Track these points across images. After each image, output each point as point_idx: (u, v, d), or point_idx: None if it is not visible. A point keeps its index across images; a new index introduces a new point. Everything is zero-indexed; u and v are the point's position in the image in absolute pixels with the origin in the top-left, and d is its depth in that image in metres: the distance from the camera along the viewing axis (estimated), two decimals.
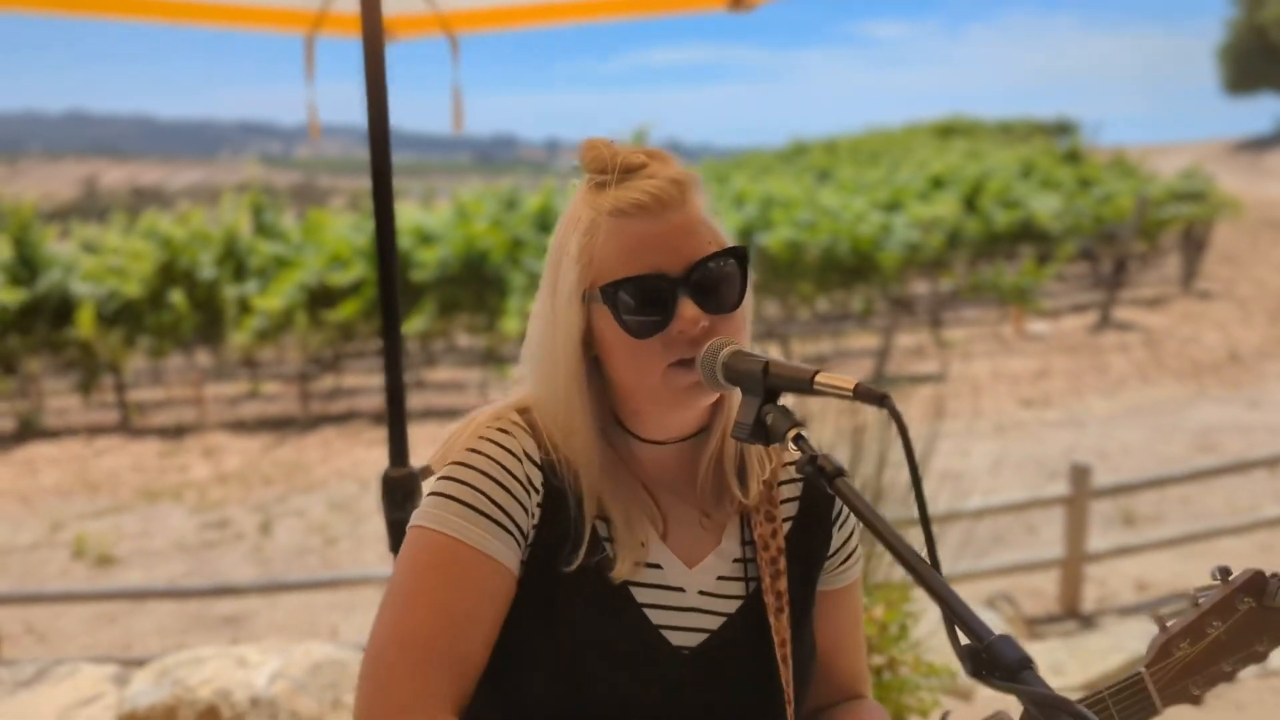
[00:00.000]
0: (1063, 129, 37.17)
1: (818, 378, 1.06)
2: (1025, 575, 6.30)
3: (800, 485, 1.32)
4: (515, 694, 1.20)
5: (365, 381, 14.53)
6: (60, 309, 13.49)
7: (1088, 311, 17.34)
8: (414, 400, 13.46)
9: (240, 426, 13.31)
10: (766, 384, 1.10)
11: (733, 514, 1.28)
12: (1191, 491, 8.06)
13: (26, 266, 13.63)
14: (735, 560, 1.26)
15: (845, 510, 1.33)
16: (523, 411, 1.25)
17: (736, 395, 1.19)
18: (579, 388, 1.20)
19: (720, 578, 1.25)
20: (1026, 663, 0.84)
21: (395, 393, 2.25)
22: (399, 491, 2.27)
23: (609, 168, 1.20)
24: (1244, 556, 6.87)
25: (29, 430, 13.52)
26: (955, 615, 0.88)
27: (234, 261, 14.25)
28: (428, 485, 1.23)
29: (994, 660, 0.84)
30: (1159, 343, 15.02)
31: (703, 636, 1.22)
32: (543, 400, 1.23)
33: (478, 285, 13.01)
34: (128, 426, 13.58)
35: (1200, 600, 1.18)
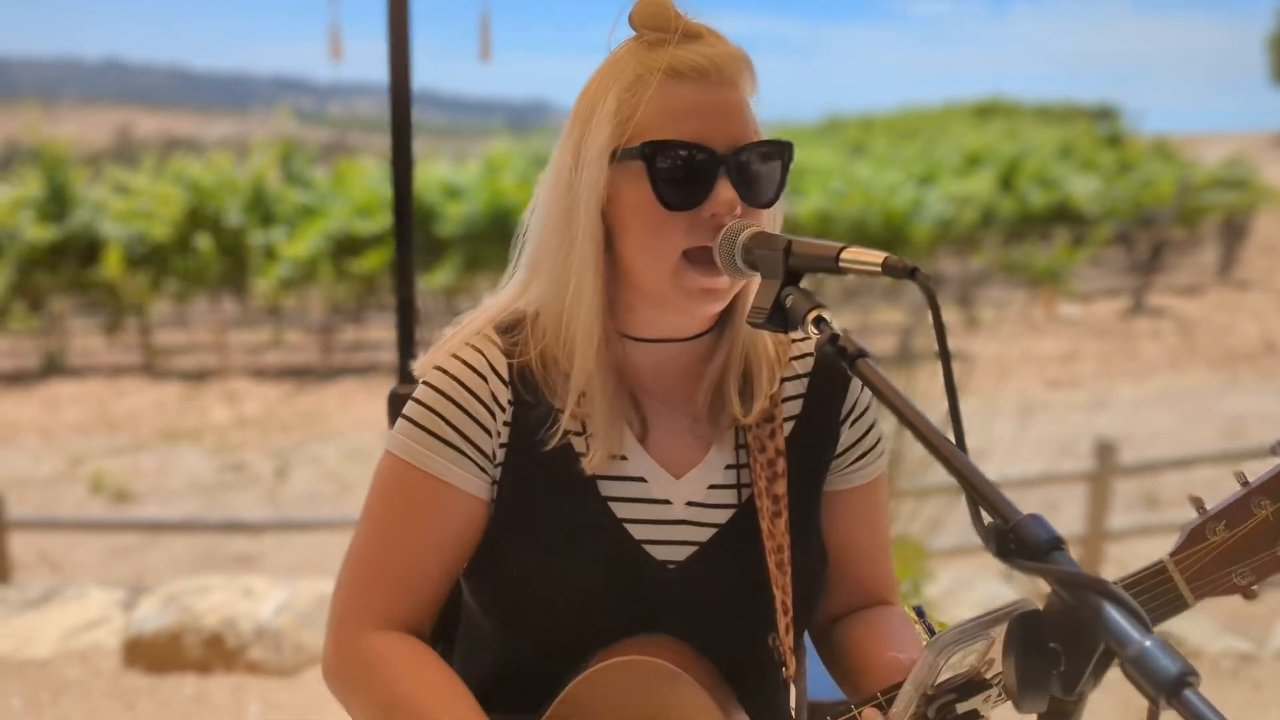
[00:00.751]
0: (1104, 114, 36.55)
1: (843, 254, 0.98)
2: None
3: (805, 382, 1.23)
4: (499, 606, 1.19)
5: (387, 335, 14.53)
6: (88, 249, 13.54)
7: (1121, 296, 17.09)
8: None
9: (261, 374, 13.36)
10: (788, 265, 1.02)
11: (728, 428, 1.20)
12: (1217, 476, 7.91)
13: (57, 204, 13.68)
14: (728, 466, 1.20)
15: (858, 407, 1.25)
16: (506, 318, 1.20)
17: (744, 309, 1.14)
18: (596, 256, 1.11)
19: (711, 486, 1.19)
20: (1057, 543, 0.75)
21: (405, 307, 2.19)
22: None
23: (670, 27, 1.11)
24: None
25: (53, 368, 13.62)
26: (979, 494, 0.80)
27: (261, 209, 14.25)
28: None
29: (1021, 541, 0.76)
30: (1192, 330, 14.79)
31: (691, 550, 1.16)
32: (549, 277, 1.15)
33: (503, 242, 12.75)
34: (150, 369, 13.66)
35: (1248, 479, 1.02)
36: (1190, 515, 1.08)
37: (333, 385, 12.64)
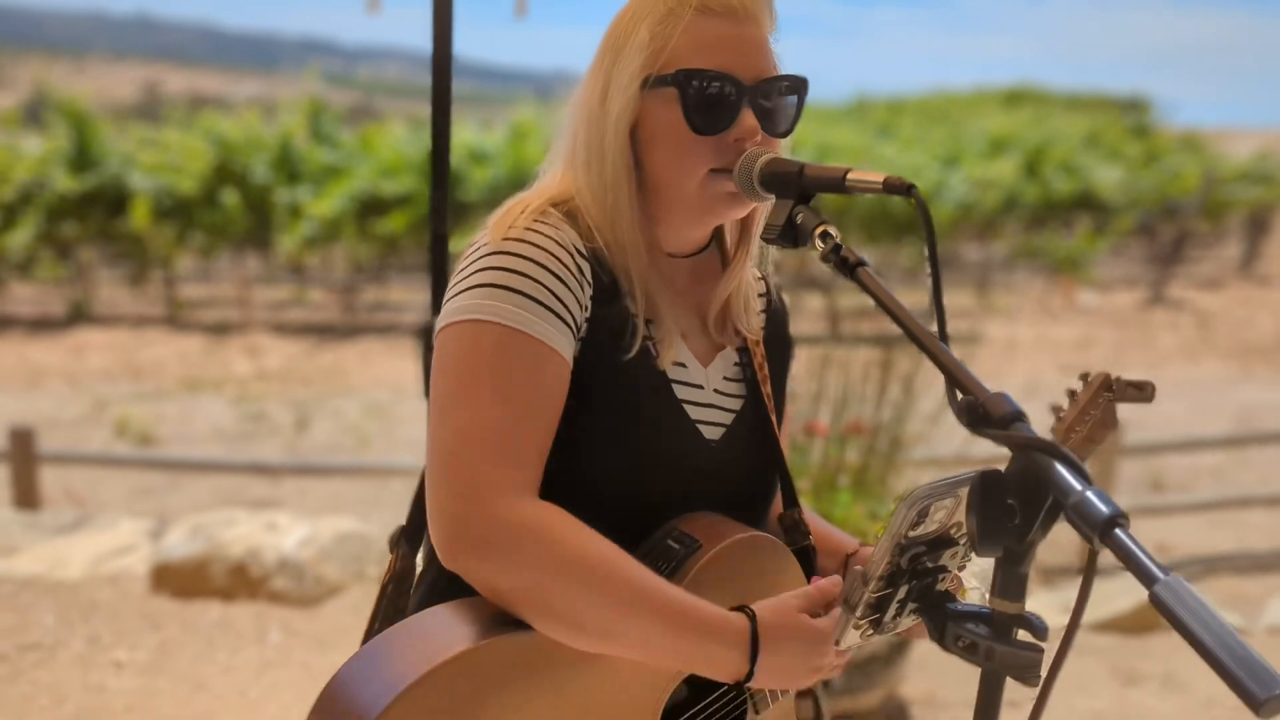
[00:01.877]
0: (1135, 105, 36.24)
1: (849, 175, 1.10)
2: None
3: (764, 300, 1.42)
4: (565, 475, 1.18)
5: (409, 297, 14.68)
6: (116, 201, 13.71)
7: (1140, 286, 17.06)
8: None
9: (283, 329, 13.53)
10: (801, 186, 1.14)
11: (729, 342, 1.35)
12: (1225, 464, 7.99)
13: (84, 156, 13.85)
14: (735, 364, 1.35)
15: (791, 343, 1.46)
16: (559, 204, 1.23)
17: (754, 236, 1.32)
18: (628, 176, 1.21)
19: (726, 378, 1.33)
20: (1018, 415, 0.87)
21: (439, 242, 2.30)
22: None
23: None
24: (1271, 531, 6.83)
25: (79, 315, 13.84)
26: (954, 378, 0.92)
27: (287, 166, 14.38)
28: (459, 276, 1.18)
29: (988, 414, 0.88)
30: (1210, 322, 14.77)
31: (721, 430, 1.30)
32: (589, 189, 1.23)
33: None
34: (174, 320, 13.86)
35: (1075, 395, 1.36)
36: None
37: (353, 343, 12.80)
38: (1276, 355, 12.91)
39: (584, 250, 1.20)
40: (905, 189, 1.04)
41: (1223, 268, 18.93)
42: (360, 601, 4.24)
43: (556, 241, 1.17)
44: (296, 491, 7.09)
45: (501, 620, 1.09)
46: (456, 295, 1.15)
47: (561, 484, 1.18)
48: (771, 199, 1.17)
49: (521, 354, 1.12)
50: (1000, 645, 0.89)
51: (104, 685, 3.53)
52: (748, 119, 1.19)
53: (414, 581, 1.38)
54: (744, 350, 1.36)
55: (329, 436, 8.94)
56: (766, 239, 1.16)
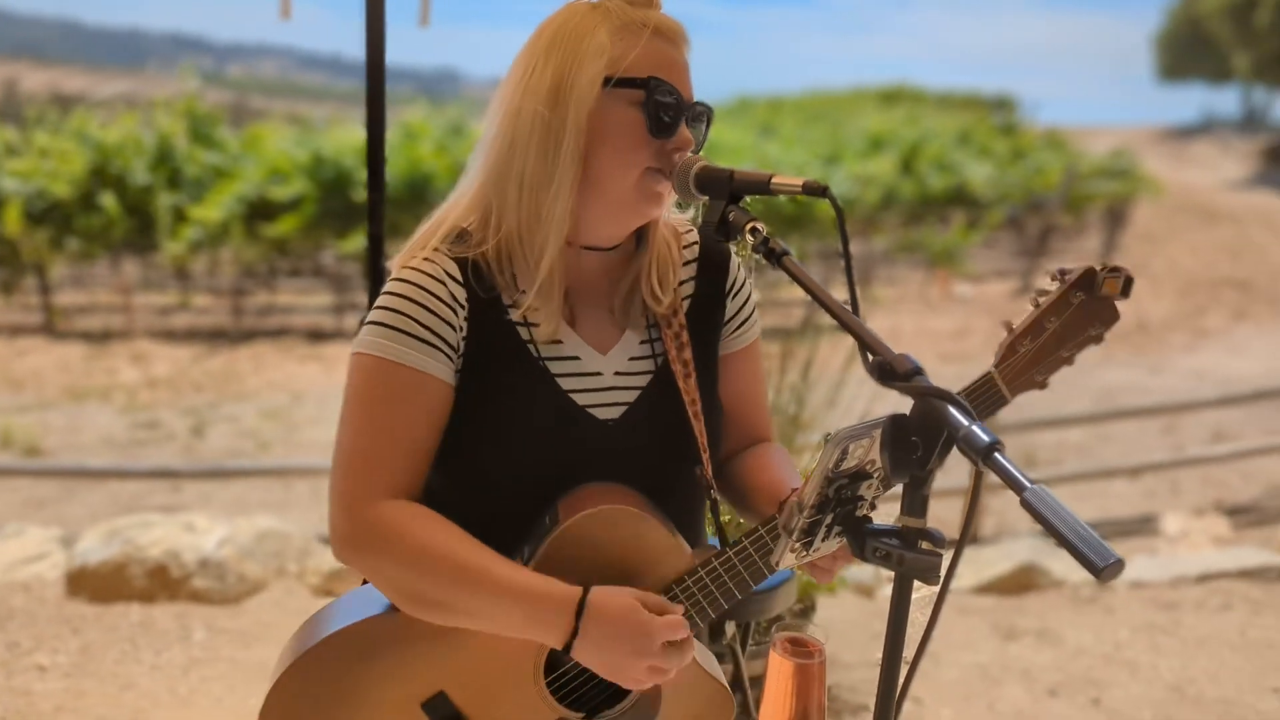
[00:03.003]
0: (1002, 104, 37.86)
1: (773, 180, 1.32)
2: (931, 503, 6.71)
3: (695, 266, 1.55)
4: (467, 470, 1.41)
5: (300, 300, 14.49)
6: None
7: (1010, 277, 17.97)
8: (347, 320, 13.49)
9: (169, 336, 13.22)
10: (732, 189, 1.35)
11: (642, 315, 1.49)
12: (1089, 441, 8.60)
13: None
14: (642, 341, 1.49)
15: (738, 283, 1.58)
16: (458, 229, 1.43)
17: (657, 228, 1.47)
18: (578, 164, 1.35)
19: (632, 358, 1.48)
20: (918, 370, 1.10)
21: (376, 243, 2.45)
22: None
23: None
24: (1131, 499, 7.40)
25: None
26: (865, 343, 1.15)
27: (168, 169, 14.02)
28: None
29: (894, 370, 1.11)
30: None
31: (622, 409, 1.45)
32: (516, 188, 1.37)
33: (421, 209, 12.87)
34: (51, 329, 13.39)
35: (1040, 301, 1.33)
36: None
37: (244, 347, 12.59)
38: (1134, 339, 13.82)
39: (458, 276, 1.39)
40: (821, 191, 1.26)
41: (1085, 258, 20.00)
42: (282, 597, 4.31)
43: (431, 276, 1.38)
44: (199, 497, 7.03)
45: (381, 602, 1.38)
46: (362, 327, 1.40)
47: (466, 480, 1.42)
48: (705, 200, 1.38)
49: (388, 381, 1.35)
50: (909, 553, 1.11)
51: (29, 689, 3.54)
52: (685, 132, 1.39)
53: None
54: (657, 325, 1.49)
55: (227, 441, 8.83)
56: (704, 233, 1.37)
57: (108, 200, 13.30)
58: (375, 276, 2.50)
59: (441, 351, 1.36)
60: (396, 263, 1.43)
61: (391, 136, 14.47)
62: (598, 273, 1.47)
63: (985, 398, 1.40)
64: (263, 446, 8.66)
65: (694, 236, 1.56)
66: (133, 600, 4.17)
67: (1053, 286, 1.32)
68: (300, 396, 10.18)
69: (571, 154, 1.34)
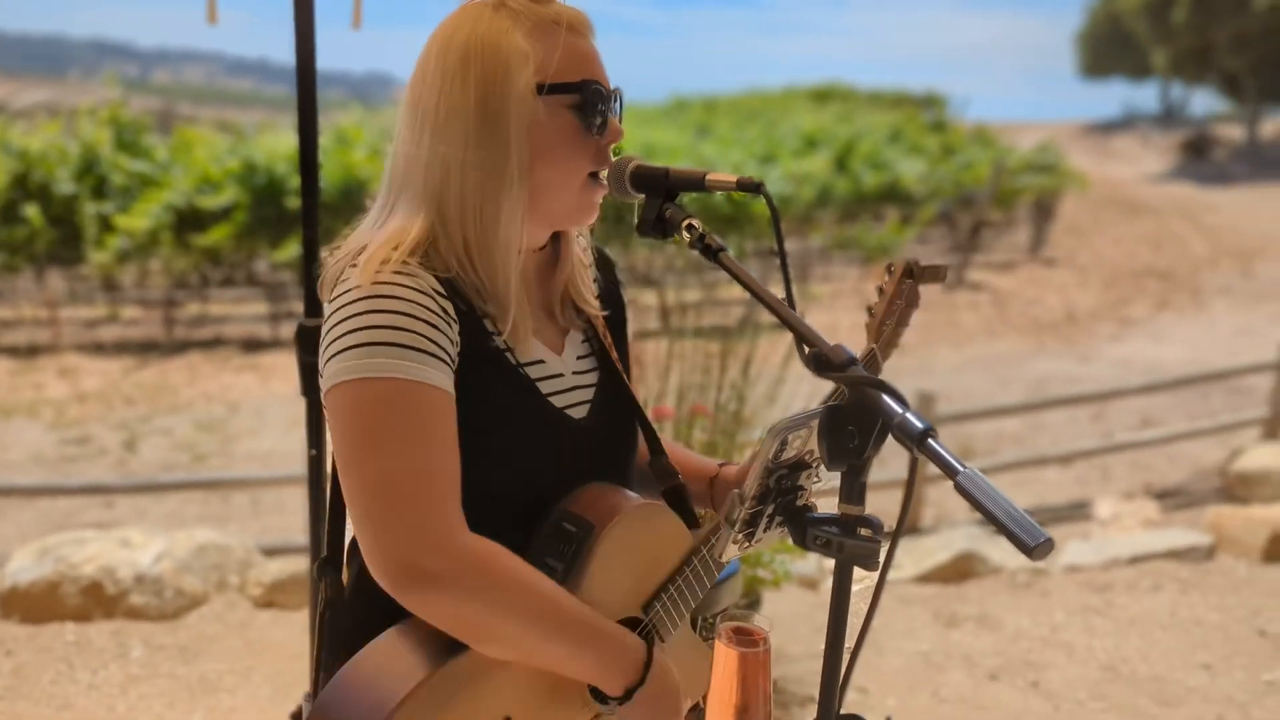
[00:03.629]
0: (931, 102, 38.49)
1: (708, 177, 1.33)
2: (870, 495, 6.82)
3: (593, 268, 1.56)
4: (469, 491, 1.29)
5: (234, 309, 14.22)
6: None
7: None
8: (283, 329, 13.29)
9: (98, 349, 12.89)
10: (667, 186, 1.36)
11: (576, 317, 1.51)
12: (1024, 431, 8.79)
13: None
14: (583, 341, 1.51)
15: (621, 283, 1.62)
16: (416, 245, 1.30)
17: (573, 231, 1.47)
18: (525, 176, 1.31)
19: (579, 357, 1.49)
20: (853, 360, 1.13)
21: (311, 247, 2.42)
22: (311, 340, 2.46)
23: None
24: (1064, 486, 7.58)
25: None
26: (801, 336, 1.17)
27: (94, 178, 13.68)
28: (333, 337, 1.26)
29: (829, 361, 1.13)
30: (1006, 302, 16.02)
31: (586, 407, 1.46)
32: (459, 207, 1.30)
33: (353, 215, 12.75)
34: None
35: (885, 288, 1.56)
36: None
37: (177, 359, 12.33)
38: (1063, 329, 14.15)
39: (442, 290, 1.29)
40: (755, 187, 1.28)
41: (1014, 251, 20.46)
42: (224, 610, 4.24)
43: (417, 289, 1.26)
44: (134, 513, 6.88)
45: (447, 640, 1.27)
46: (338, 355, 1.23)
47: (466, 488, 1.31)
48: (641, 198, 1.39)
49: (419, 401, 1.23)
50: (849, 540, 1.13)
51: None
52: (614, 123, 1.38)
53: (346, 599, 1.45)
54: (589, 324, 1.51)
55: (161, 455, 8.65)
56: (641, 233, 1.38)
57: (31, 211, 12.94)
58: (311, 283, 2.48)
59: (446, 364, 1.27)
60: (334, 285, 1.30)
61: (324, 142, 14.35)
62: (533, 275, 1.46)
63: (874, 369, 1.55)
64: (199, 459, 8.50)
65: (589, 257, 1.56)
66: (67, 619, 4.08)
67: (887, 278, 1.57)
68: (236, 407, 10.00)
69: (518, 172, 1.30)
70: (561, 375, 1.44)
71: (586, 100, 1.33)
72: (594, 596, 1.35)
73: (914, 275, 1.53)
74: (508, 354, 1.37)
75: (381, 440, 1.21)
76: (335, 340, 1.24)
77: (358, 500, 1.22)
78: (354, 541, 1.39)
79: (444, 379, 1.26)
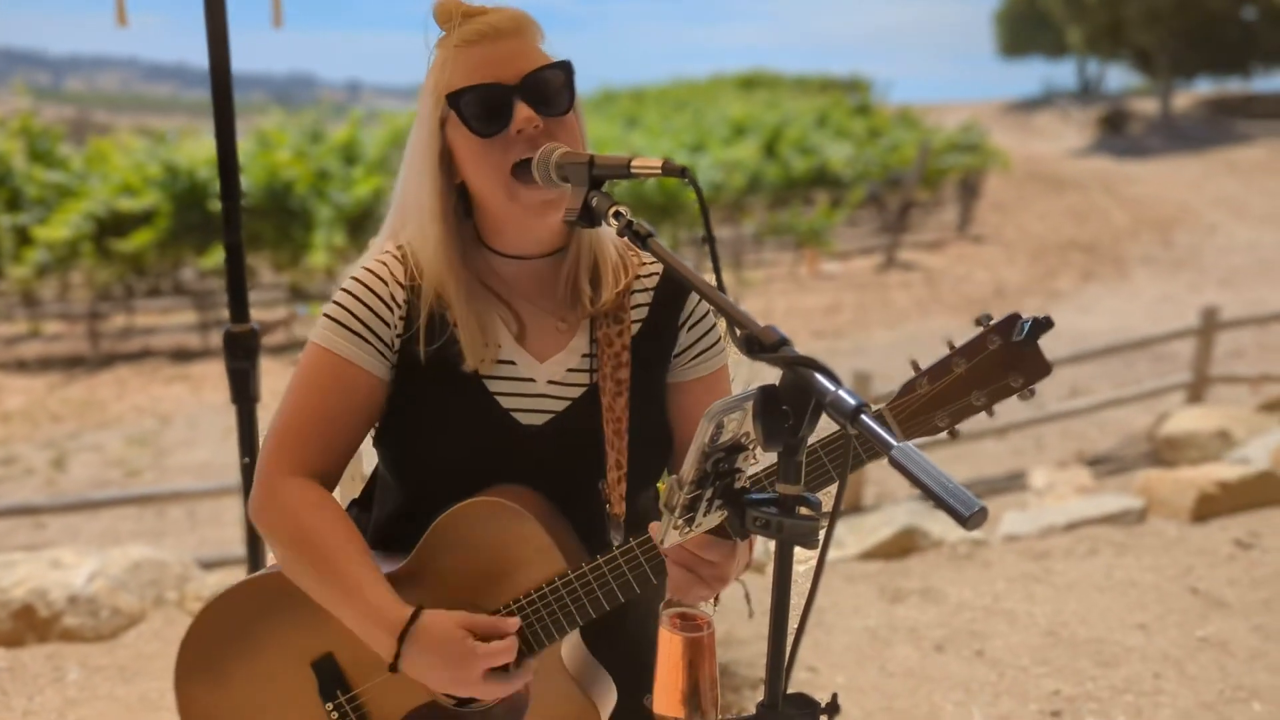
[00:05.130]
0: (855, 86, 38.91)
1: (633, 163, 1.32)
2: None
3: (652, 294, 1.54)
4: (398, 461, 1.51)
5: (161, 320, 13.91)
6: None
7: (875, 253, 18.54)
8: (213, 337, 13.02)
9: (20, 366, 12.53)
10: (592, 174, 1.35)
11: (584, 318, 1.50)
12: None
13: None
14: (584, 355, 1.50)
15: (695, 315, 1.56)
16: (398, 246, 1.51)
17: (587, 232, 1.48)
18: (441, 199, 1.43)
19: (570, 370, 1.49)
20: (785, 341, 1.13)
21: (235, 252, 2.37)
22: (239, 346, 2.41)
23: (454, 17, 1.42)
24: (1000, 457, 7.74)
25: None
26: (733, 319, 1.17)
27: (7, 190, 13.28)
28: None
29: (761, 342, 1.14)
30: (937, 280, 16.29)
31: (548, 417, 1.47)
32: (407, 222, 1.48)
33: (281, 218, 12.66)
34: None
35: (954, 344, 1.29)
36: None
37: (105, 373, 12.03)
38: (993, 304, 14.44)
39: (403, 281, 1.47)
40: (680, 171, 1.27)
41: (943, 230, 20.82)
42: (162, 627, 4.14)
43: (376, 275, 1.48)
44: (65, 532, 6.70)
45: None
46: (319, 319, 1.48)
47: (396, 470, 1.52)
48: (568, 187, 1.38)
49: (319, 367, 1.46)
50: (788, 520, 1.14)
51: None
52: (522, 110, 1.38)
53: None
54: (596, 341, 1.50)
55: (92, 472, 8.44)
56: (568, 221, 1.36)
57: None
58: (237, 289, 2.43)
59: (373, 346, 1.45)
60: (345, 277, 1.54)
61: (247, 145, 14.12)
62: (533, 280, 1.49)
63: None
64: (132, 474, 8.31)
65: (657, 267, 1.56)
66: None
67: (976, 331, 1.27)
68: (168, 419, 9.79)
69: (435, 193, 1.44)
70: (531, 381, 1.47)
71: (463, 108, 1.39)
72: (422, 577, 1.44)
73: (1010, 331, 1.27)
74: (453, 348, 1.45)
75: (290, 391, 1.47)
76: (325, 307, 1.49)
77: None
78: (376, 473, 1.65)
79: (364, 358, 1.45)
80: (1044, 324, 1.27)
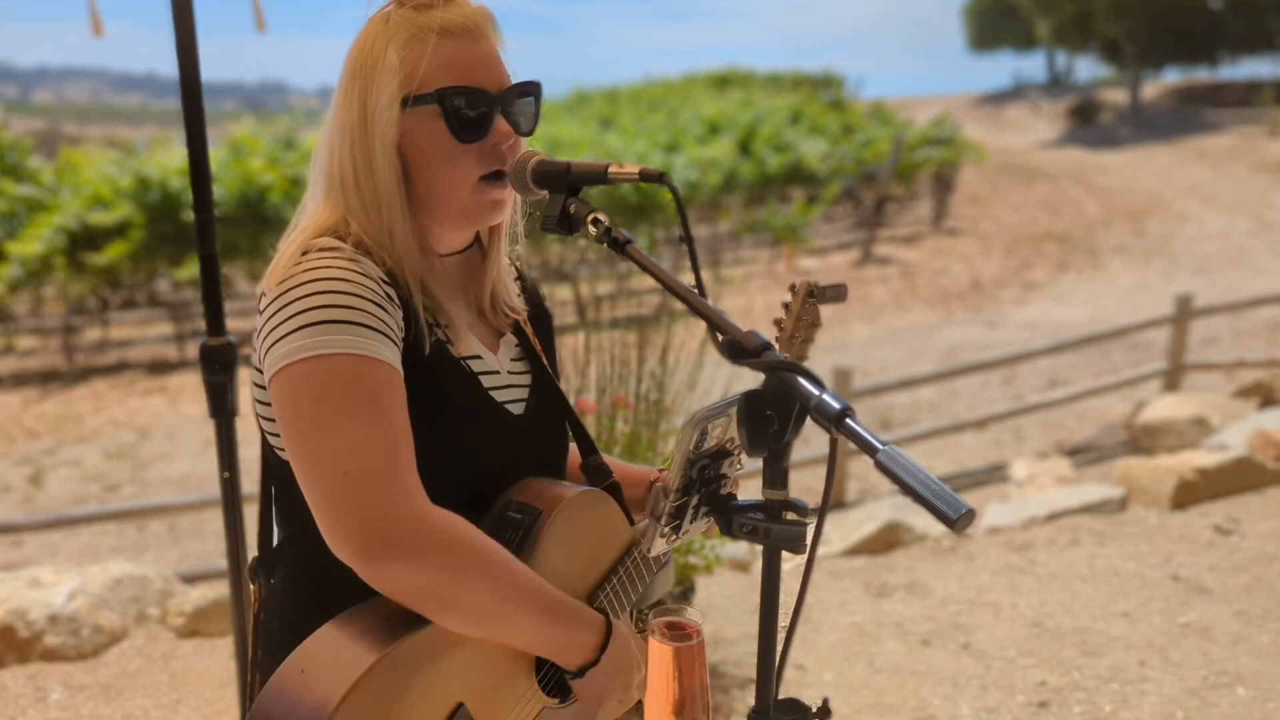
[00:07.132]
0: (827, 82, 39.03)
1: (610, 169, 1.32)
2: (796, 472, 6.91)
3: (520, 283, 1.58)
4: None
5: (137, 332, 13.79)
6: None
7: (851, 248, 18.59)
8: (190, 349, 12.91)
9: None
10: (570, 181, 1.34)
11: (512, 317, 1.52)
12: (939, 399, 8.99)
13: None
14: (516, 345, 1.52)
15: (545, 302, 1.64)
16: (339, 235, 1.32)
17: (500, 230, 1.48)
18: (399, 190, 1.33)
19: (513, 358, 1.50)
20: (767, 345, 1.13)
21: (209, 264, 2.35)
22: (216, 359, 2.39)
23: None
24: (981, 450, 7.77)
25: None
26: (713, 324, 1.17)
27: None
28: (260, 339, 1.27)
29: (743, 347, 1.13)
30: (913, 275, 16.35)
31: (523, 405, 1.47)
32: (361, 207, 1.33)
33: (256, 226, 12.57)
34: None
35: (788, 306, 1.59)
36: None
37: (81, 387, 11.90)
38: (970, 298, 14.50)
39: (383, 276, 1.30)
40: (657, 177, 1.27)
41: (918, 224, 20.91)
42: (145, 644, 4.10)
43: (361, 273, 1.27)
44: (44, 550, 6.63)
45: (397, 621, 1.21)
46: (286, 337, 1.21)
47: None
48: (544, 194, 1.37)
49: (374, 376, 1.22)
50: (775, 525, 1.14)
51: None
52: (501, 125, 1.36)
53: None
54: (518, 329, 1.53)
55: (70, 488, 8.35)
56: (546, 229, 1.35)
57: None
58: (212, 300, 2.40)
59: (394, 343, 1.27)
60: (272, 278, 1.29)
61: (220, 153, 14.01)
62: (458, 277, 1.47)
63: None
64: (110, 489, 8.22)
65: (514, 271, 1.60)
66: None
67: (791, 296, 1.60)
68: (146, 432, 9.70)
69: (389, 183, 1.33)
70: (498, 373, 1.46)
71: (447, 108, 1.32)
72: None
73: (815, 296, 1.57)
74: (449, 345, 1.39)
75: (339, 415, 1.19)
76: (281, 324, 1.22)
77: (320, 476, 1.19)
78: (284, 541, 1.41)
79: (394, 356, 1.26)
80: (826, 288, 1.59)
